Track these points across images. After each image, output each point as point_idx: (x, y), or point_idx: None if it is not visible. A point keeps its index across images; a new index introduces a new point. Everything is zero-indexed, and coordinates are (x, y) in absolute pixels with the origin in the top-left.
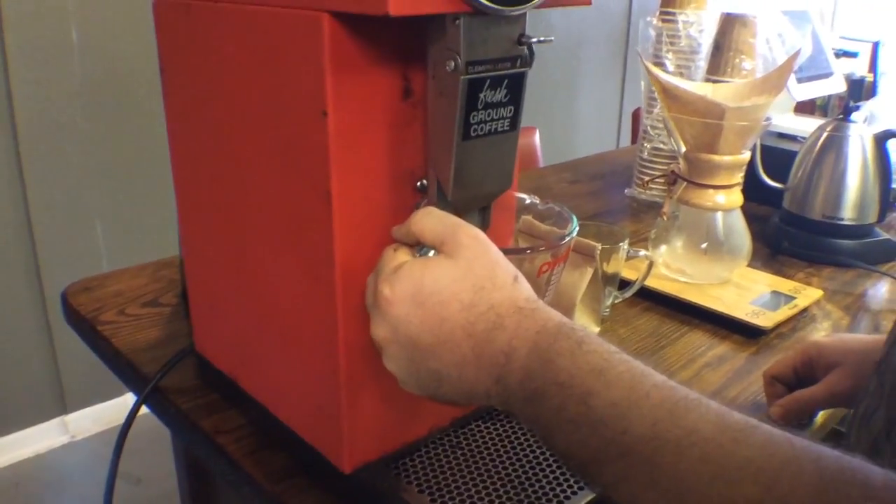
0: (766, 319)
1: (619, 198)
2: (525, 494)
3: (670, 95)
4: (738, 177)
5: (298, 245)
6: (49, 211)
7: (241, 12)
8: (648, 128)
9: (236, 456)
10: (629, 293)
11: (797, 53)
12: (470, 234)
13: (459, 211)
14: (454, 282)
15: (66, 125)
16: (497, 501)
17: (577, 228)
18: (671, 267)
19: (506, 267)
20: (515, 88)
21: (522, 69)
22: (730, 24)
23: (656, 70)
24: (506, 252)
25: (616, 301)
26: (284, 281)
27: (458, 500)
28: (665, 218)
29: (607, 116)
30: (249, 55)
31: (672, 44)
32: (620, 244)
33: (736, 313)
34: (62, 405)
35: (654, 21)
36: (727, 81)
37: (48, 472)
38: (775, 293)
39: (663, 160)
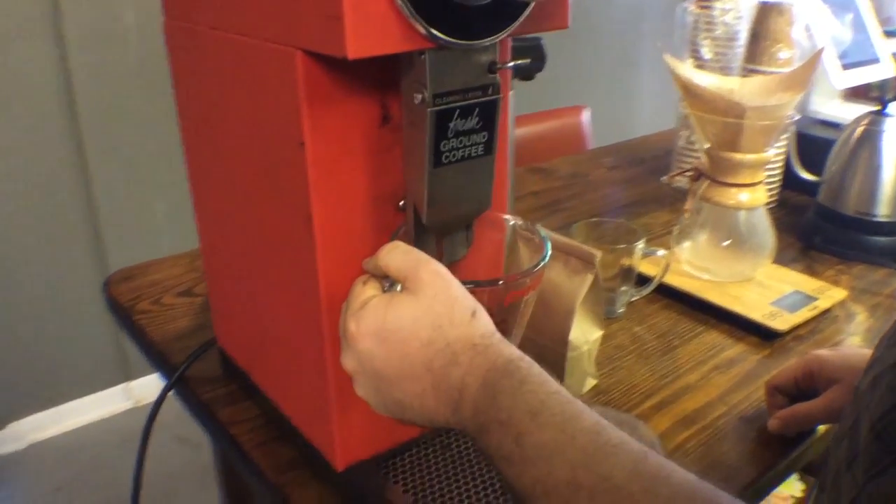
0: (782, 322)
1: (656, 185)
2: (505, 498)
3: (691, 93)
4: (762, 175)
5: (288, 261)
6: (110, 191)
7: (231, 41)
8: (685, 116)
9: (247, 447)
10: (645, 292)
11: (821, 51)
12: (431, 271)
13: (440, 232)
14: (414, 320)
15: (124, 107)
16: (476, 502)
17: (547, 259)
18: (695, 265)
19: (464, 303)
20: (488, 115)
21: (494, 97)
22: (766, 13)
23: (676, 65)
24: (468, 284)
25: (633, 299)
26: (281, 291)
27: (438, 499)
28: (688, 215)
29: (669, 94)
30: (239, 82)
31: (709, 31)
32: (636, 244)
33: (752, 314)
34: (126, 372)
35: (691, 7)
36: (763, 71)
37: (112, 435)
38: (798, 293)
39: (698, 152)
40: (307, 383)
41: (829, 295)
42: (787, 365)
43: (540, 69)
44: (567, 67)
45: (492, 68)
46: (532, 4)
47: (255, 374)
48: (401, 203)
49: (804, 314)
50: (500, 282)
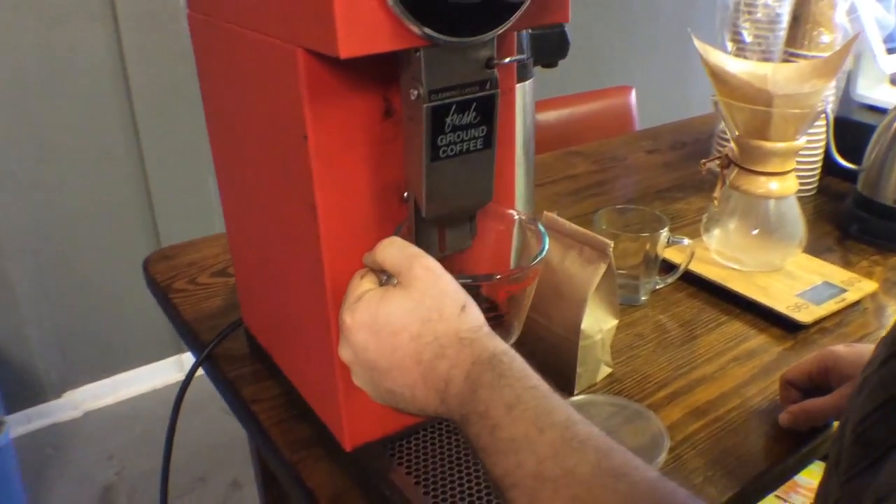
0: (806, 314)
1: (694, 170)
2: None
3: (719, 79)
4: (792, 163)
5: (297, 250)
6: (163, 168)
7: (242, 36)
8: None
9: (266, 424)
10: (670, 280)
11: (856, 37)
12: (423, 266)
13: (441, 224)
14: (405, 313)
15: (175, 86)
16: (475, 488)
17: (544, 254)
18: (723, 254)
19: (454, 297)
20: (486, 110)
21: (491, 91)
22: None
23: (706, 50)
24: (464, 279)
25: (657, 287)
26: (292, 278)
27: (440, 483)
28: (716, 203)
29: None
30: (250, 76)
31: (750, 14)
32: (660, 232)
33: (777, 305)
34: (179, 345)
35: None
36: (804, 55)
37: (163, 406)
38: (826, 284)
39: None
40: (318, 367)
41: (859, 287)
42: (803, 359)
43: (563, 56)
44: (620, 46)
45: (489, 64)
46: (526, 4)
47: (276, 355)
48: (405, 194)
49: (830, 306)
50: (496, 277)
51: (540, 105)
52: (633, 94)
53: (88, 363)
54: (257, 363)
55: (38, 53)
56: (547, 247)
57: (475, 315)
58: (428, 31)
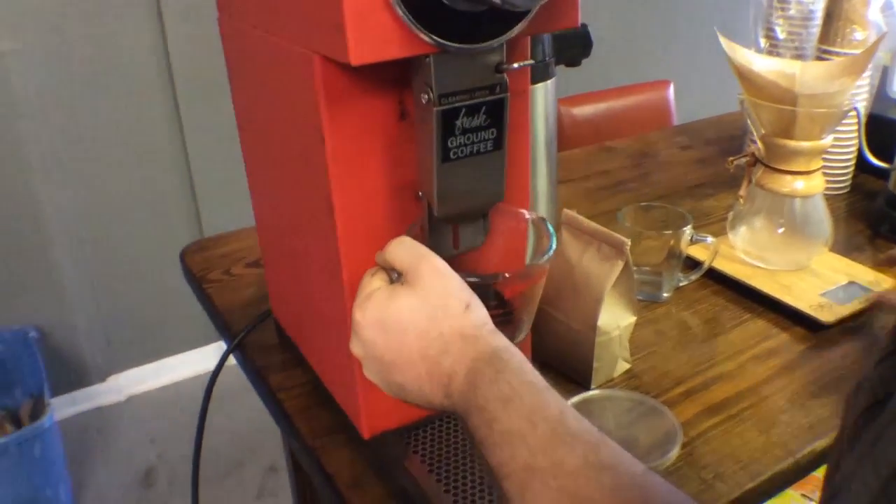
0: (829, 313)
1: (726, 167)
2: None
3: (745, 77)
4: (818, 163)
5: (317, 246)
6: (206, 159)
7: (266, 40)
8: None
9: (291, 411)
10: (693, 278)
11: (883, 35)
12: (430, 266)
13: (454, 222)
14: (412, 311)
15: (218, 78)
16: (486, 479)
17: (550, 255)
18: (749, 252)
19: (459, 296)
20: (496, 113)
21: (501, 95)
22: None
23: (733, 48)
24: (471, 278)
25: (680, 284)
26: (313, 272)
27: (452, 472)
28: (742, 201)
29: None
30: (273, 79)
31: (783, 10)
32: (683, 229)
33: (800, 304)
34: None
35: None
36: (837, 52)
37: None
38: (852, 284)
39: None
40: (338, 358)
41: (886, 287)
42: None
43: (586, 55)
44: (662, 40)
45: (499, 68)
46: (534, 11)
47: (302, 345)
48: (420, 193)
49: (854, 306)
50: (501, 276)
51: (576, 100)
52: (672, 88)
53: (132, 349)
54: (285, 353)
55: (86, 46)
56: (554, 246)
57: (479, 313)
58: (437, 38)
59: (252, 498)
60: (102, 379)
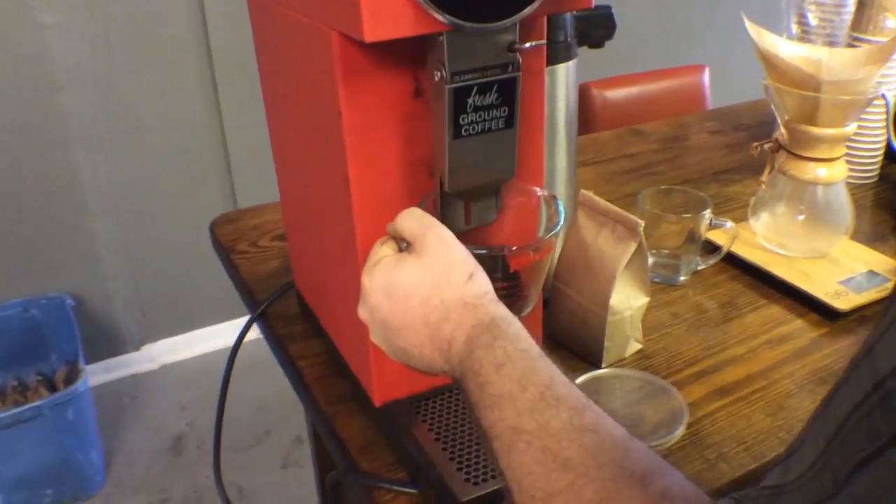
0: (845, 301)
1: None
2: None
3: (770, 62)
4: (841, 150)
5: (335, 217)
6: (241, 134)
7: (288, 17)
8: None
9: (309, 379)
10: (711, 262)
11: None
12: (436, 235)
13: (465, 198)
14: (417, 278)
15: (255, 55)
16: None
17: (556, 231)
18: (769, 238)
19: (463, 266)
20: (508, 91)
21: (513, 74)
22: None
23: (759, 33)
24: (478, 250)
25: (698, 268)
26: (331, 243)
27: (458, 440)
28: (764, 187)
29: None
30: (295, 55)
31: None
32: (702, 213)
33: (816, 291)
34: None
35: None
36: (868, 40)
37: (237, 363)
38: (870, 273)
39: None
40: (352, 328)
41: None
42: None
43: (609, 37)
44: (700, 23)
45: (511, 48)
46: None
47: (320, 316)
48: (433, 168)
49: (870, 295)
50: (506, 249)
51: (609, 82)
52: (707, 73)
53: (166, 319)
54: (305, 323)
55: (126, 21)
56: (561, 223)
57: (481, 283)
58: (450, 17)
59: (278, 467)
60: (137, 348)
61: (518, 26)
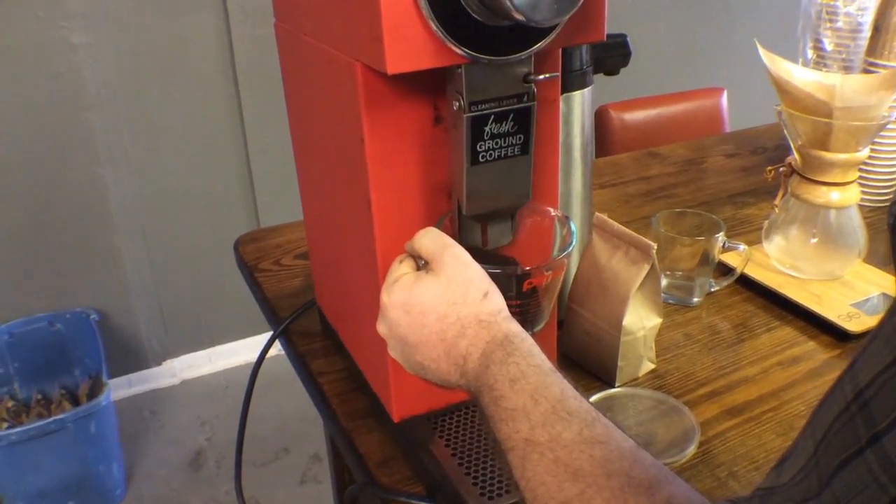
0: (857, 324)
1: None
2: None
3: (782, 88)
4: (854, 174)
5: (357, 238)
6: (265, 153)
7: (314, 47)
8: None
9: (329, 395)
10: (724, 284)
11: None
12: (452, 255)
13: (482, 221)
14: (434, 296)
15: (278, 77)
16: (494, 454)
17: (569, 251)
18: (783, 261)
19: (478, 284)
20: (523, 120)
21: (528, 104)
22: (889, 5)
23: (771, 59)
24: (493, 269)
25: (711, 290)
26: (352, 263)
27: (474, 456)
28: (777, 210)
29: None
30: (320, 83)
31: (831, 22)
32: (715, 236)
33: (828, 313)
34: None
35: None
36: (884, 66)
37: (257, 378)
38: (883, 296)
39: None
40: (372, 345)
41: None
42: None
43: (624, 65)
44: (720, 46)
45: (527, 79)
46: (560, 25)
47: (341, 333)
48: (451, 192)
49: None
50: (520, 269)
51: (628, 105)
52: (725, 95)
53: (188, 335)
54: (326, 340)
55: (154, 42)
56: (574, 243)
57: (496, 301)
58: (468, 50)
59: (296, 483)
60: (158, 363)
61: (533, 58)
